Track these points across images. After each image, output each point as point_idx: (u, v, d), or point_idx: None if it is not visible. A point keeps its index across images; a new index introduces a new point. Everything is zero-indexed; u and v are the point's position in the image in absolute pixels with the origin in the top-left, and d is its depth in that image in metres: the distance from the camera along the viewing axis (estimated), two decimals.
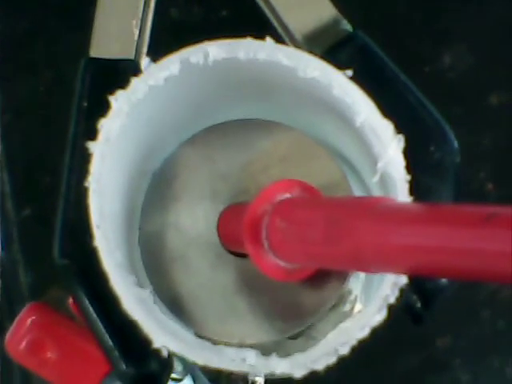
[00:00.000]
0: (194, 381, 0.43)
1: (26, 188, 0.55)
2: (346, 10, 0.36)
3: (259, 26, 0.47)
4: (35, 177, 0.55)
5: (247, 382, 0.49)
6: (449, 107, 0.35)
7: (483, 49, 0.56)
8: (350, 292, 0.36)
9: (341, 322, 0.34)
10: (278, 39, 0.36)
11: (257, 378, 0.41)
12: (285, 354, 0.31)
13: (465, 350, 0.52)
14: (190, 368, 0.43)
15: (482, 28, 0.56)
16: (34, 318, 0.41)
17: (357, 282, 0.35)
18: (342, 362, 0.30)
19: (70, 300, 0.40)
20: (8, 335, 0.41)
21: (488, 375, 0.52)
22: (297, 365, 0.28)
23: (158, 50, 0.37)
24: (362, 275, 0.35)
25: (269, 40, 0.30)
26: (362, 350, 0.30)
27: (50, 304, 0.43)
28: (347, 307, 0.36)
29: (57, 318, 0.42)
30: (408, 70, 0.35)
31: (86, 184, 0.29)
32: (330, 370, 0.29)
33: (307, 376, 0.30)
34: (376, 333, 0.28)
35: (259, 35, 0.31)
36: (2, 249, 0.55)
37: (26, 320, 0.41)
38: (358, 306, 0.36)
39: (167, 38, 0.38)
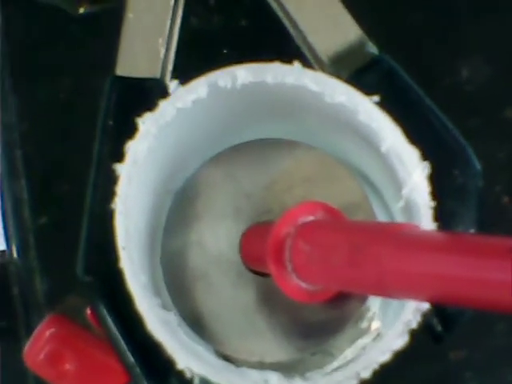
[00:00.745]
0: None
1: (43, 196, 0.55)
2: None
3: (279, 36, 0.47)
4: (52, 184, 0.55)
5: None
6: (465, 120, 0.35)
7: (501, 61, 0.56)
8: (368, 309, 0.36)
9: (358, 338, 0.35)
10: (300, 55, 0.36)
11: None
12: (302, 369, 0.31)
13: (478, 363, 0.52)
14: (206, 382, 0.43)
15: (499, 40, 0.56)
16: (52, 330, 0.41)
17: (375, 299, 0.35)
18: None
19: (88, 310, 0.40)
20: (27, 347, 0.42)
21: None
22: None
23: (177, 61, 0.38)
24: None
25: (296, 64, 0.30)
26: None
27: (66, 313, 0.44)
28: (365, 324, 0.36)
29: (75, 330, 0.42)
30: (425, 84, 0.35)
31: (113, 205, 0.30)
32: None
33: None
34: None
35: (279, 47, 0.32)
36: (19, 256, 0.55)
37: (44, 332, 0.41)
38: (375, 323, 0.36)
39: (186, 47, 0.38)
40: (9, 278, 0.55)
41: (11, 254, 0.55)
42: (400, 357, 0.30)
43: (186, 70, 0.32)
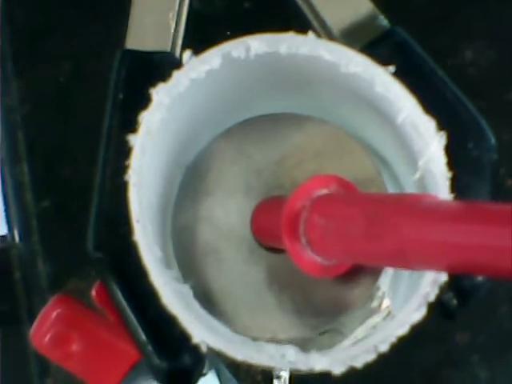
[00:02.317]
0: (218, 375, 0.43)
1: (46, 179, 0.55)
2: None
3: (282, 18, 0.46)
4: (55, 168, 0.55)
5: (266, 375, 0.49)
6: (469, 103, 0.35)
7: (505, 44, 0.56)
8: (378, 288, 0.35)
9: (368, 317, 0.34)
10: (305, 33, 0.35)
11: (282, 373, 0.41)
12: (313, 348, 0.31)
13: (484, 346, 0.52)
14: (214, 362, 0.43)
15: (504, 24, 0.56)
16: (59, 310, 0.41)
17: (385, 278, 0.35)
18: None
19: (93, 292, 0.40)
20: (33, 328, 0.41)
21: (507, 372, 0.52)
22: (336, 361, 0.28)
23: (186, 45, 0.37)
24: (390, 271, 0.35)
25: (311, 35, 0.30)
26: None
27: (71, 295, 0.43)
28: (375, 303, 0.36)
29: (82, 311, 0.42)
30: None
31: (126, 177, 0.29)
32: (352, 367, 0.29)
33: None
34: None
35: (283, 28, 0.31)
36: (21, 240, 0.54)
37: (51, 313, 0.41)
38: (385, 302, 0.36)
39: (189, 29, 0.38)
40: (11, 262, 0.55)
41: (13, 238, 0.55)
42: (406, 340, 0.30)
43: (193, 48, 0.32)
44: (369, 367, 0.33)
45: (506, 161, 0.55)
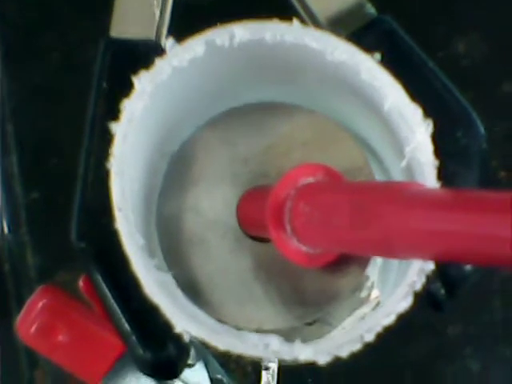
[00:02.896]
0: (206, 366, 0.43)
1: (34, 170, 0.55)
2: None
3: (272, 7, 0.46)
4: (43, 159, 0.55)
5: (256, 366, 0.49)
6: (461, 94, 0.35)
7: (497, 37, 0.56)
8: (366, 278, 0.35)
9: (357, 308, 0.34)
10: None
11: (270, 364, 0.41)
12: (301, 339, 0.30)
13: (476, 338, 0.52)
14: (202, 353, 0.43)
15: (496, 16, 0.56)
16: (45, 301, 0.41)
17: (374, 268, 0.35)
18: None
19: (80, 283, 0.40)
20: (19, 318, 0.41)
21: (498, 364, 0.52)
22: (321, 351, 0.28)
23: (172, 33, 0.37)
24: (379, 261, 0.35)
25: (296, 22, 0.29)
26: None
27: (58, 286, 0.43)
28: (364, 293, 0.35)
29: (68, 302, 0.41)
30: None
31: (108, 165, 0.29)
32: (338, 358, 0.29)
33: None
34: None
35: (271, 17, 0.31)
36: (10, 231, 0.54)
37: (37, 303, 0.41)
38: (374, 293, 0.36)
39: (178, 20, 0.37)
40: (0, 254, 0.55)
41: (2, 229, 0.54)
42: (399, 332, 0.29)
43: (179, 37, 0.31)
44: (361, 360, 0.33)
45: (499, 153, 0.55)
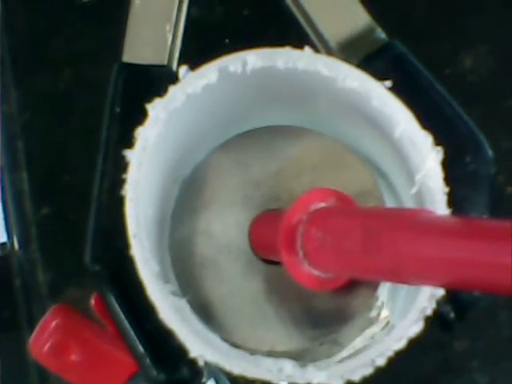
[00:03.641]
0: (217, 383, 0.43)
1: (45, 187, 0.55)
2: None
3: (281, 26, 0.46)
4: (54, 175, 0.55)
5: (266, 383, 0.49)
6: (468, 109, 0.35)
7: (505, 52, 0.56)
8: (376, 299, 0.36)
9: (366, 328, 0.34)
10: (304, 42, 0.36)
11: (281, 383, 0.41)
12: (311, 359, 0.31)
13: (482, 352, 0.52)
14: (213, 371, 0.43)
15: (503, 31, 0.56)
16: (58, 320, 0.41)
17: (383, 288, 0.35)
18: None
19: (92, 301, 0.40)
20: (32, 337, 0.42)
21: (505, 378, 0.52)
22: (334, 375, 0.28)
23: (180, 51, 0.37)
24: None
25: (307, 49, 0.30)
26: None
27: (70, 304, 0.44)
28: (373, 313, 0.36)
29: (81, 321, 0.42)
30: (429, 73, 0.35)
31: (123, 192, 0.29)
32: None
33: None
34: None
35: (282, 36, 0.31)
36: (20, 248, 0.54)
37: (50, 323, 0.41)
38: (384, 313, 0.36)
39: (188, 37, 0.38)
40: (10, 269, 0.55)
41: (13, 245, 0.55)
42: (406, 346, 0.30)
43: (190, 59, 0.32)
44: (369, 375, 0.33)
45: (505, 168, 0.55)
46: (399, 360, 0.49)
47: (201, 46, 0.45)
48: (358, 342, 0.35)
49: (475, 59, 0.56)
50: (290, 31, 0.37)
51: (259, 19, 0.55)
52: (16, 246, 0.55)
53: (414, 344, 0.29)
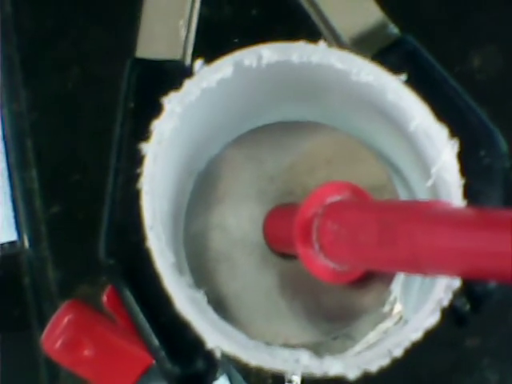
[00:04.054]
0: (230, 379, 0.44)
1: (55, 185, 0.55)
2: None
3: (289, 25, 0.47)
4: (63, 174, 0.55)
5: (276, 380, 0.50)
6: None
7: None
8: (389, 293, 0.36)
9: (380, 322, 0.35)
10: (313, 41, 0.36)
11: (293, 377, 0.41)
12: (325, 353, 0.31)
13: (494, 350, 0.52)
14: (225, 366, 0.43)
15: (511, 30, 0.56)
16: (70, 316, 0.41)
17: (397, 283, 0.35)
18: None
19: (104, 298, 0.40)
20: (44, 333, 0.42)
21: None
22: (350, 366, 0.28)
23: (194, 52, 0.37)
24: (401, 276, 0.35)
25: (322, 43, 0.30)
26: None
27: (81, 301, 0.44)
28: (387, 308, 0.36)
29: (93, 316, 0.42)
30: None
31: (137, 185, 0.29)
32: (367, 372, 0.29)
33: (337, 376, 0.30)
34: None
35: (290, 35, 0.31)
36: (30, 246, 0.55)
37: (62, 318, 0.41)
38: (397, 307, 0.36)
39: (198, 36, 0.38)
40: (21, 268, 0.55)
41: (23, 244, 0.55)
42: (417, 344, 0.30)
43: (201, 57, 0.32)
44: (380, 371, 0.33)
45: None
46: (411, 358, 0.50)
47: (210, 45, 0.46)
48: (371, 337, 0.35)
49: (483, 58, 0.56)
50: (298, 30, 0.38)
51: (267, 18, 0.55)
52: (26, 244, 0.55)
53: (427, 342, 0.30)
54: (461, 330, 0.51)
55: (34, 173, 0.55)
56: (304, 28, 0.37)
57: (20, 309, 0.57)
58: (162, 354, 0.33)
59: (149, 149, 0.30)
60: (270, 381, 0.51)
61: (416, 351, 0.29)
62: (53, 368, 0.54)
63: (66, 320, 0.41)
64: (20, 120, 0.56)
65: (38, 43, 0.57)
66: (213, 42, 0.51)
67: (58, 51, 0.57)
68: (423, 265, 0.24)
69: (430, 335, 0.29)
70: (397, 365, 0.40)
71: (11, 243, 0.57)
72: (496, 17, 0.56)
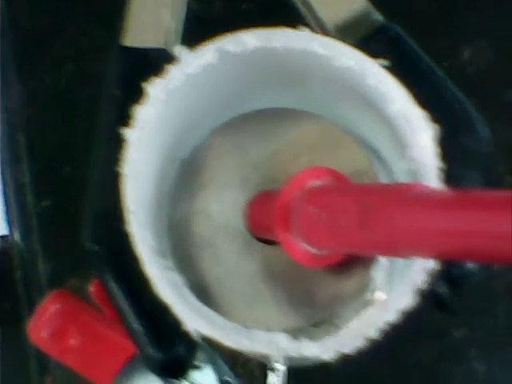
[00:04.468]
0: (215, 369, 0.44)
1: (46, 179, 0.55)
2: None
3: (280, 19, 0.47)
4: (55, 168, 0.55)
5: (263, 370, 0.50)
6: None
7: (503, 44, 0.56)
8: (372, 280, 0.36)
9: (363, 309, 0.35)
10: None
11: (276, 365, 0.41)
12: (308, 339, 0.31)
13: (481, 341, 0.53)
14: (211, 356, 0.43)
15: (502, 23, 0.56)
16: (57, 305, 0.41)
17: (380, 270, 0.36)
18: (358, 352, 0.30)
19: (92, 288, 0.41)
20: (31, 323, 0.42)
21: (504, 366, 0.53)
22: (326, 348, 0.29)
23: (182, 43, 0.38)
24: (385, 264, 0.36)
25: (304, 29, 0.30)
26: (378, 341, 0.30)
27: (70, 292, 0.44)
28: (369, 295, 0.36)
29: (79, 306, 0.42)
30: None
31: (120, 170, 0.30)
32: (346, 360, 0.30)
33: (324, 367, 0.30)
34: (392, 324, 0.29)
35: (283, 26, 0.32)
36: (21, 240, 0.55)
37: (49, 307, 0.41)
38: (380, 294, 0.36)
39: (187, 30, 0.38)
40: (12, 261, 0.55)
41: (14, 237, 0.55)
42: (404, 336, 0.30)
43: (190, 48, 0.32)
44: (369, 364, 0.33)
45: (505, 158, 0.55)
46: (399, 348, 0.50)
47: (202, 37, 0.46)
48: (355, 324, 0.36)
49: (474, 52, 0.56)
50: (289, 24, 0.38)
51: (258, 12, 0.56)
52: (17, 237, 0.55)
53: (414, 333, 0.30)
54: (448, 322, 0.51)
55: (25, 167, 0.55)
56: (295, 21, 0.38)
57: (12, 302, 0.57)
58: (144, 338, 0.33)
59: (131, 134, 0.30)
60: (257, 371, 0.51)
61: (404, 342, 0.29)
62: (43, 360, 0.54)
63: (52, 309, 0.41)
64: (12, 115, 0.56)
65: (32, 40, 0.58)
66: (204, 36, 0.51)
67: (52, 48, 0.58)
68: (401, 247, 0.25)
69: (418, 326, 0.29)
70: (385, 356, 0.40)
71: (3, 237, 0.57)
72: (487, 10, 0.56)
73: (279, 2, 0.39)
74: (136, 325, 0.33)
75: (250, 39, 0.30)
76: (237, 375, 0.49)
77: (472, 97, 0.36)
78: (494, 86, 0.56)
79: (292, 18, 0.37)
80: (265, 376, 0.40)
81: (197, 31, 0.41)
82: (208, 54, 0.30)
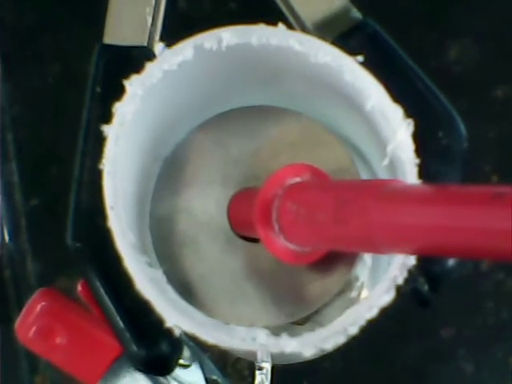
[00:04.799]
0: (202, 367, 0.44)
1: (34, 178, 0.56)
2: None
3: (267, 18, 0.47)
4: (43, 167, 0.56)
5: (253, 370, 0.50)
6: (454, 100, 0.35)
7: (489, 42, 0.56)
8: (356, 278, 0.36)
9: (347, 308, 0.35)
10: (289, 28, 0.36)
11: (264, 364, 0.41)
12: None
13: (469, 340, 0.53)
14: (197, 354, 0.44)
15: (488, 21, 0.56)
16: (43, 303, 0.41)
17: (364, 268, 0.36)
18: (346, 351, 0.30)
19: (79, 287, 0.41)
20: (18, 321, 0.42)
21: (491, 365, 0.53)
22: (306, 344, 0.29)
23: (167, 42, 0.38)
24: (368, 262, 0.36)
25: (281, 26, 0.30)
26: (366, 340, 0.30)
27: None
28: (354, 294, 0.36)
29: (67, 304, 0.42)
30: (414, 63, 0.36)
31: (101, 166, 0.30)
32: (333, 360, 0.30)
33: (311, 365, 0.31)
34: (379, 323, 0.29)
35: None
36: (10, 239, 0.55)
37: (35, 306, 0.41)
38: (364, 293, 0.37)
39: (175, 30, 0.38)
40: (0, 261, 0.56)
41: (3, 237, 0.55)
42: (392, 335, 0.30)
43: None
44: (356, 363, 0.34)
45: (491, 157, 0.55)
46: (386, 348, 0.50)
47: (182, 35, 0.46)
48: (339, 322, 0.36)
49: (460, 50, 0.56)
50: (271, 19, 0.38)
51: (246, 12, 0.56)
52: (6, 237, 0.55)
53: (401, 332, 0.30)
54: (436, 321, 0.51)
55: (13, 166, 0.55)
56: (283, 20, 0.38)
57: (1, 302, 0.57)
58: (127, 336, 0.33)
59: (110, 130, 0.30)
60: (247, 372, 0.51)
61: (392, 342, 0.30)
62: (33, 360, 0.54)
63: (39, 307, 0.41)
64: (1, 114, 0.56)
65: (19, 38, 0.58)
66: (186, 34, 0.51)
67: (39, 46, 0.58)
68: (376, 242, 0.25)
69: (406, 326, 0.30)
70: (373, 355, 0.40)
71: None
72: (472, 8, 0.56)
73: (267, 1, 0.39)
74: (119, 322, 0.33)
75: (226, 35, 0.30)
76: (226, 375, 0.49)
77: (459, 95, 0.36)
78: (480, 84, 0.56)
79: (280, 17, 0.38)
80: (254, 376, 0.40)
81: (185, 31, 0.41)
82: (184, 50, 0.30)
